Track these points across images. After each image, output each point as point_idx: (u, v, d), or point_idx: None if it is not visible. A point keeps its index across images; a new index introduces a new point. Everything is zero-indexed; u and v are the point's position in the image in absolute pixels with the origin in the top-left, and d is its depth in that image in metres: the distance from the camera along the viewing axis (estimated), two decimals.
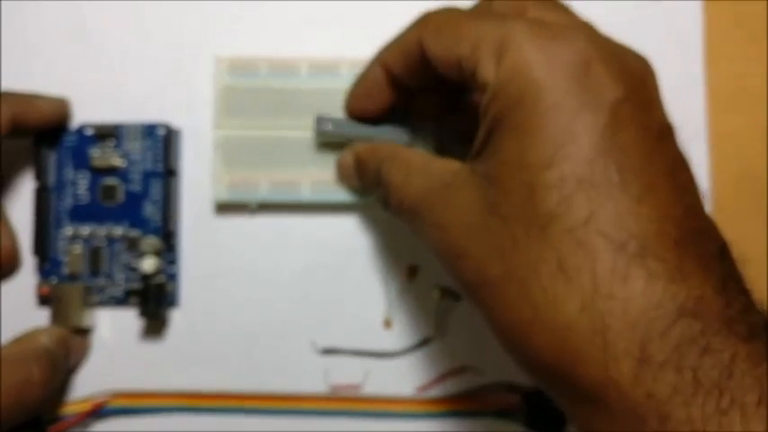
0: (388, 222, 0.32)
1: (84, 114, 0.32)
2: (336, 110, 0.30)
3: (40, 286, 0.31)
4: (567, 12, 0.24)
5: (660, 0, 0.33)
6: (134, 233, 0.31)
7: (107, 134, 0.31)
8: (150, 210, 0.31)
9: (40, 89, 0.31)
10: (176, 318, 0.32)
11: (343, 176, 0.30)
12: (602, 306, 0.19)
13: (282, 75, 0.31)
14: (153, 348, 0.32)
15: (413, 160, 0.26)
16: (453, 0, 0.27)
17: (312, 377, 0.32)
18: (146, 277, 0.31)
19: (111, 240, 0.31)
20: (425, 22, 0.25)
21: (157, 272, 0.31)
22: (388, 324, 0.32)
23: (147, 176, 0.31)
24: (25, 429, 0.30)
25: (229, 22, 0.33)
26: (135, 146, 0.31)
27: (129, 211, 0.31)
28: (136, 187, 0.31)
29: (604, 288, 0.19)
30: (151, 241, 0.31)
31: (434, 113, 0.30)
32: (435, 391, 0.32)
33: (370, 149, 0.29)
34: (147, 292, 0.31)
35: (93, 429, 0.31)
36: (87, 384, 0.31)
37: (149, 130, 0.31)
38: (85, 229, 0.31)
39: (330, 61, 0.31)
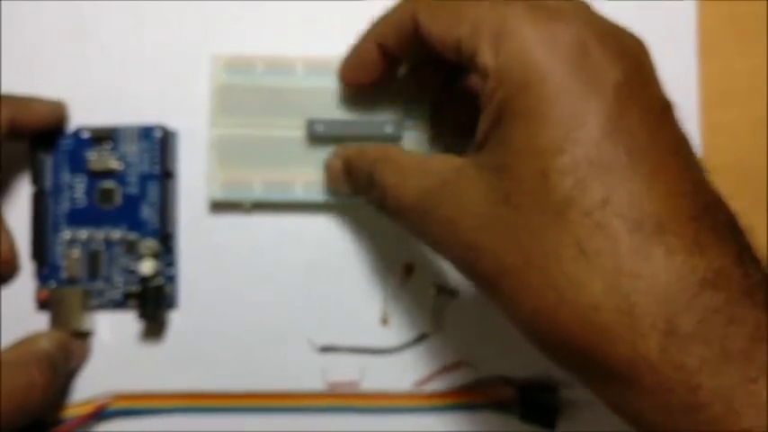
0: (384, 221, 0.32)
1: (81, 117, 0.32)
2: (332, 109, 0.31)
3: (38, 291, 0.31)
4: None
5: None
6: (132, 236, 0.31)
7: (104, 137, 0.31)
8: (148, 212, 0.31)
9: (37, 92, 0.31)
10: (175, 319, 0.32)
11: (331, 180, 0.30)
12: (625, 285, 0.19)
13: (278, 73, 0.31)
14: (153, 350, 0.32)
15: (406, 160, 0.26)
16: None
17: (310, 375, 0.32)
18: (144, 280, 0.31)
19: (109, 243, 0.31)
20: None
21: (156, 274, 0.31)
22: (384, 321, 0.32)
23: (145, 179, 0.31)
24: None
25: (226, 23, 0.33)
26: (132, 148, 0.31)
27: (127, 214, 0.31)
28: (133, 190, 0.31)
29: (626, 267, 0.19)
30: (149, 244, 0.31)
31: (428, 89, 0.30)
32: (432, 386, 0.32)
33: (359, 152, 0.28)
34: (145, 294, 0.31)
35: (94, 431, 0.31)
36: (88, 387, 0.31)
37: (146, 133, 0.31)
38: (83, 233, 0.31)
39: (325, 60, 0.31)
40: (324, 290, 0.32)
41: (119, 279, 0.31)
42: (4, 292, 0.32)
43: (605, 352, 0.20)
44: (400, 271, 0.32)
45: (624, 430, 0.22)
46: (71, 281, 0.31)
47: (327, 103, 0.31)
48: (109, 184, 0.31)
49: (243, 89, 0.31)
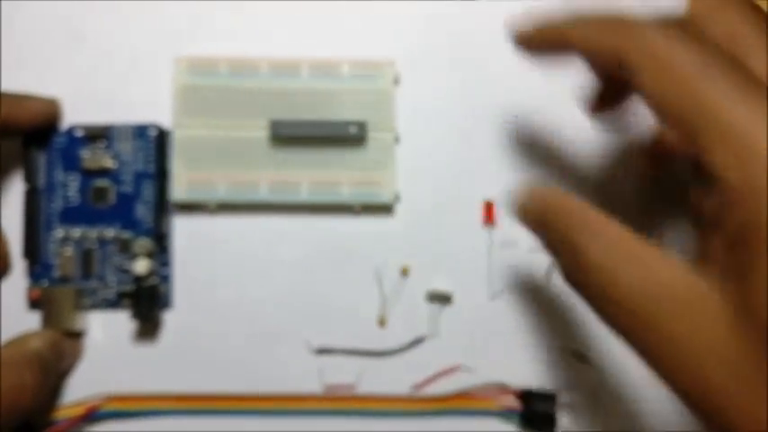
0: (383, 223, 0.32)
1: (75, 116, 0.32)
2: (296, 110, 0.31)
3: (30, 290, 0.31)
4: None
5: None
6: (126, 235, 0.31)
7: (97, 135, 0.31)
8: (142, 211, 0.31)
9: (31, 90, 0.31)
10: (169, 319, 0.32)
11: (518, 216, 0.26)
12: None
13: (242, 74, 0.31)
14: (146, 350, 0.32)
15: (621, 244, 0.22)
16: None
17: (307, 377, 0.32)
18: (138, 279, 0.31)
19: (102, 242, 0.31)
20: (635, 39, 0.21)
21: (150, 274, 0.31)
22: (382, 323, 0.32)
23: (139, 177, 0.31)
24: None
25: (213, 25, 0.33)
26: (126, 147, 0.31)
27: (121, 213, 0.31)
28: (127, 188, 0.31)
29: None
30: (143, 243, 0.31)
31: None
32: (429, 390, 0.32)
33: (560, 207, 0.24)
34: (139, 293, 0.30)
35: None
36: (80, 388, 0.31)
37: (140, 131, 0.31)
38: (76, 232, 0.31)
39: (290, 61, 0.32)
40: (320, 291, 0.32)
41: (112, 278, 0.31)
42: None
43: None
44: (398, 273, 0.32)
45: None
46: (64, 280, 0.31)
47: (291, 104, 0.31)
48: (103, 182, 0.31)
49: (206, 90, 0.31)
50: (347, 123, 0.31)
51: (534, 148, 0.33)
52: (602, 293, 0.22)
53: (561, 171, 0.33)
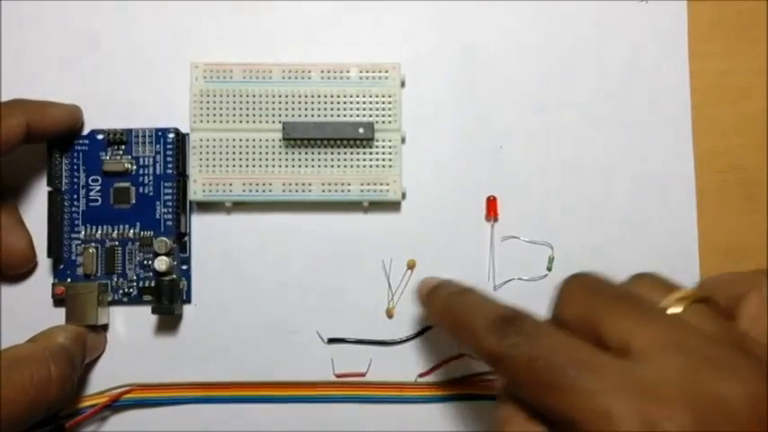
0: (390, 220, 0.34)
1: (95, 121, 0.33)
2: (306, 112, 0.32)
3: (55, 287, 0.32)
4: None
5: (647, 1, 0.35)
6: (146, 234, 0.32)
7: (118, 139, 0.32)
8: (162, 211, 0.32)
9: (53, 97, 0.32)
10: (188, 313, 0.33)
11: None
12: None
13: (255, 79, 0.33)
14: (166, 343, 0.33)
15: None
16: None
17: (319, 366, 0.33)
18: (159, 275, 0.32)
19: (123, 241, 0.32)
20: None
21: (170, 270, 0.32)
22: (390, 315, 0.33)
23: (158, 179, 0.32)
24: (43, 426, 0.31)
25: (234, 32, 0.34)
26: (145, 150, 0.32)
27: (142, 213, 0.32)
28: (147, 189, 0.32)
29: None
30: (163, 241, 0.32)
31: None
32: (436, 377, 0.33)
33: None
34: (160, 289, 0.32)
35: (109, 420, 0.32)
36: (104, 379, 0.32)
37: (159, 135, 0.32)
38: (99, 231, 0.32)
39: (300, 66, 0.33)
40: (332, 285, 0.33)
41: (133, 275, 0.32)
42: (21, 289, 0.33)
43: None
44: (404, 267, 0.33)
45: None
46: (87, 277, 0.32)
47: (302, 107, 0.32)
48: (123, 184, 0.32)
49: (221, 94, 0.32)
50: (356, 124, 0.32)
51: (535, 147, 0.34)
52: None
53: (561, 170, 0.34)
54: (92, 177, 0.32)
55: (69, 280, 0.32)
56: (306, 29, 0.34)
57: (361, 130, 0.32)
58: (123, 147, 0.32)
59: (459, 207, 0.34)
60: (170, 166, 0.32)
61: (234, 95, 0.32)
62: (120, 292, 0.32)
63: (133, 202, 0.32)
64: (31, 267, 0.33)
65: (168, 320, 0.33)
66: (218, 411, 0.33)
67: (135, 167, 0.32)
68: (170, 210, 0.32)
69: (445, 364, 0.33)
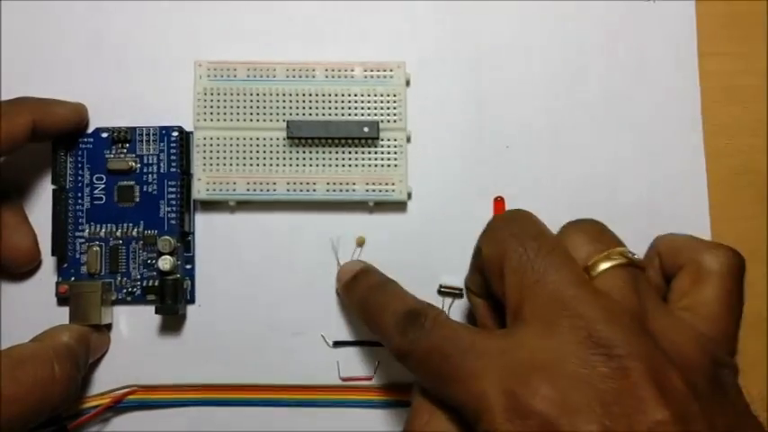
0: (396, 220, 0.33)
1: (99, 120, 0.33)
2: (311, 111, 0.32)
3: (59, 286, 0.32)
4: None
5: (655, 0, 0.34)
6: (150, 233, 0.32)
7: (122, 137, 0.32)
8: (166, 210, 0.32)
9: (57, 96, 0.32)
10: (193, 314, 0.33)
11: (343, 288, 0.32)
12: None
13: (259, 77, 0.33)
14: (170, 343, 0.33)
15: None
16: None
17: (325, 369, 0.33)
18: (162, 275, 0.32)
19: (127, 240, 0.32)
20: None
21: (174, 270, 0.32)
22: None
23: (162, 178, 0.32)
24: (46, 427, 0.31)
25: (238, 30, 0.34)
26: (149, 148, 0.32)
27: (146, 212, 0.32)
28: (151, 188, 0.32)
29: None
30: (167, 240, 0.32)
31: None
32: None
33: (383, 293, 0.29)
34: (163, 289, 0.32)
35: (112, 422, 0.32)
36: (107, 379, 0.32)
37: (163, 133, 0.32)
38: (103, 230, 0.32)
39: (304, 65, 0.33)
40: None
41: (137, 274, 0.32)
42: (25, 288, 0.33)
43: None
44: (410, 268, 0.33)
45: None
46: (91, 276, 0.32)
47: (307, 106, 0.32)
48: (127, 182, 0.32)
49: (226, 93, 0.32)
50: (361, 123, 0.32)
51: (541, 146, 0.34)
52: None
53: (569, 171, 0.34)
54: (96, 176, 0.32)
55: (73, 279, 0.32)
56: (310, 27, 0.34)
57: (366, 130, 0.32)
58: (127, 145, 0.32)
59: (465, 207, 0.33)
60: (174, 164, 0.32)
61: (238, 94, 0.32)
62: (124, 291, 0.32)
63: (137, 200, 0.32)
64: (35, 265, 0.33)
65: (172, 320, 0.33)
66: (222, 414, 0.32)
67: (139, 166, 0.32)
68: (174, 209, 0.32)
69: None
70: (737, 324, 0.25)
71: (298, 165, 0.32)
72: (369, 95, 0.32)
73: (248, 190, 0.32)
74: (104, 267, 0.32)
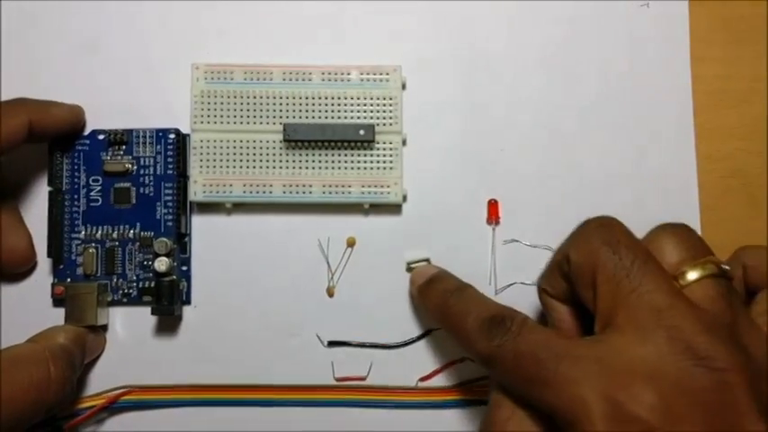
0: (391, 222, 0.33)
1: (96, 122, 0.33)
2: (307, 114, 0.32)
3: (54, 287, 0.32)
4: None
5: (647, 1, 0.35)
6: (147, 234, 0.32)
7: (118, 139, 0.32)
8: (162, 212, 0.32)
9: (55, 98, 0.32)
10: (188, 315, 0.33)
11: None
12: None
13: (256, 81, 0.33)
14: (166, 344, 0.33)
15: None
16: None
17: (319, 369, 0.33)
18: (159, 276, 0.32)
19: (124, 241, 0.32)
20: None
21: (170, 271, 0.32)
22: (390, 318, 0.33)
23: (159, 180, 0.32)
24: (41, 427, 0.31)
25: (234, 33, 0.34)
26: (146, 150, 0.32)
27: (142, 214, 0.32)
28: (148, 190, 0.32)
29: None
30: (164, 242, 0.32)
31: None
32: (436, 381, 0.33)
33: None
34: (160, 290, 0.32)
35: (107, 422, 0.32)
36: (102, 380, 0.32)
37: (160, 135, 0.33)
38: (99, 231, 0.32)
39: (300, 68, 0.33)
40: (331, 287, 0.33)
41: (133, 276, 0.32)
42: (21, 288, 0.33)
43: None
44: (405, 270, 0.33)
45: None
46: (86, 277, 0.32)
47: (303, 109, 0.33)
48: (124, 184, 0.32)
49: (222, 95, 0.32)
50: (357, 126, 0.32)
51: (535, 148, 0.34)
52: None
53: (563, 174, 0.34)
54: (92, 177, 0.32)
55: (69, 280, 0.32)
56: (307, 30, 0.34)
57: (361, 132, 0.32)
58: (124, 147, 0.33)
59: (460, 210, 0.34)
60: (170, 166, 0.32)
61: (235, 96, 0.32)
62: (120, 292, 0.32)
63: (134, 202, 0.32)
64: (31, 267, 0.33)
65: (168, 321, 0.33)
66: (217, 414, 0.32)
67: (135, 168, 0.32)
68: (170, 210, 0.32)
69: (446, 368, 0.33)
70: None
71: (294, 167, 0.32)
72: (365, 98, 0.33)
73: (245, 192, 0.32)
74: (100, 269, 0.32)
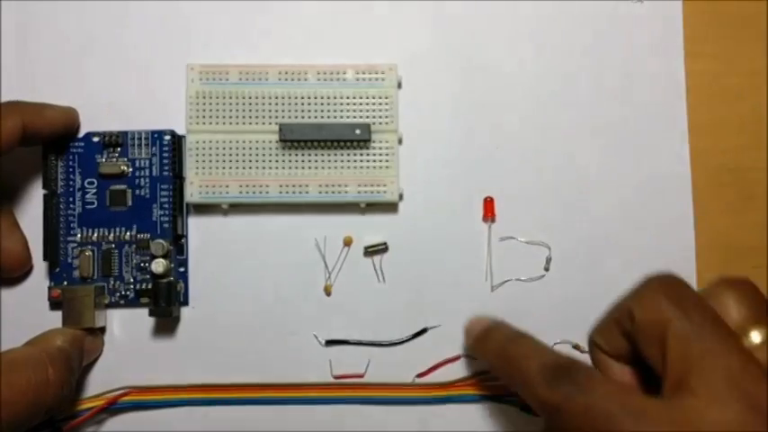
0: (387, 221, 0.34)
1: (91, 124, 0.33)
2: (303, 114, 0.33)
3: (51, 290, 0.32)
4: None
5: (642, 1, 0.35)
6: (143, 236, 0.32)
7: (113, 141, 0.32)
8: (159, 214, 0.32)
9: (49, 100, 0.32)
10: (186, 316, 0.33)
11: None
12: None
13: (251, 81, 0.33)
14: (164, 345, 0.33)
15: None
16: None
17: (317, 367, 0.33)
18: (156, 278, 0.32)
19: (120, 244, 0.32)
20: None
21: (167, 273, 0.32)
22: (387, 316, 0.33)
23: (155, 181, 0.32)
24: (40, 429, 0.31)
25: (230, 33, 0.34)
26: (141, 152, 0.32)
27: (138, 216, 0.32)
28: (144, 192, 0.32)
29: None
30: (160, 244, 0.32)
31: None
32: (433, 378, 0.33)
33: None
34: (157, 292, 0.32)
35: (107, 423, 0.32)
36: (101, 381, 0.32)
37: (155, 137, 0.32)
38: (95, 234, 0.32)
39: (296, 68, 0.33)
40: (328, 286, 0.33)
41: (130, 278, 0.32)
42: (17, 292, 0.33)
43: None
44: (401, 269, 0.33)
45: None
46: (83, 280, 0.32)
47: (299, 109, 0.33)
48: (120, 186, 0.32)
49: (218, 96, 0.32)
50: (352, 126, 0.32)
51: (530, 146, 0.34)
52: None
53: (558, 170, 0.34)
54: (88, 180, 0.32)
55: (66, 283, 0.32)
56: (302, 30, 0.34)
57: (357, 132, 0.32)
58: (119, 149, 0.32)
59: (456, 208, 0.34)
60: (166, 168, 0.32)
61: (230, 97, 0.32)
62: (117, 294, 0.32)
63: (129, 204, 0.32)
64: (27, 271, 0.33)
65: (166, 323, 0.33)
66: (216, 413, 0.33)
67: (131, 170, 0.32)
68: (167, 212, 0.32)
69: (443, 365, 0.33)
70: None
71: (290, 167, 0.32)
72: (360, 98, 0.33)
73: (241, 192, 0.32)
74: (97, 271, 0.32)
